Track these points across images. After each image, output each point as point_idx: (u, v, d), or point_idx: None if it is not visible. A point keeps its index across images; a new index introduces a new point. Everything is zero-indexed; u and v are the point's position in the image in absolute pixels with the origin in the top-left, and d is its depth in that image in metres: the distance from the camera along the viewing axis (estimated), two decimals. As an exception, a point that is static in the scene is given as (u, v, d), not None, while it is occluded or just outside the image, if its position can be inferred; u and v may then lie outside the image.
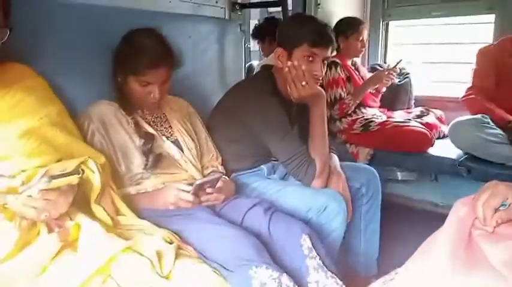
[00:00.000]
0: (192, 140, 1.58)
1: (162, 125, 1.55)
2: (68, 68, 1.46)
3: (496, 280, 0.85)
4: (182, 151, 1.53)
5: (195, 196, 1.35)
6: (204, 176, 1.55)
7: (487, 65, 2.25)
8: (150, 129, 1.49)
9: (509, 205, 0.95)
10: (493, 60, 2.23)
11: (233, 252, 1.10)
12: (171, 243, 1.10)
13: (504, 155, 2.00)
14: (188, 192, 1.34)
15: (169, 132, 1.55)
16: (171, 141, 1.52)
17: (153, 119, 1.54)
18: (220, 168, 1.66)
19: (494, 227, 0.94)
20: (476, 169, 2.06)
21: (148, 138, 1.46)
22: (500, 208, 0.95)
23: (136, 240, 1.05)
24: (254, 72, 2.50)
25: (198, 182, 1.35)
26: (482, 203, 0.95)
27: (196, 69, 2.04)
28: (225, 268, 1.08)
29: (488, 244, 0.90)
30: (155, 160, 1.44)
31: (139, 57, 1.38)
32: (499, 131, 2.06)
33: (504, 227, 0.93)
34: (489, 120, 2.11)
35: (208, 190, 1.38)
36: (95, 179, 1.12)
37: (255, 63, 3.22)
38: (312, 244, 1.23)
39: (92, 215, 1.11)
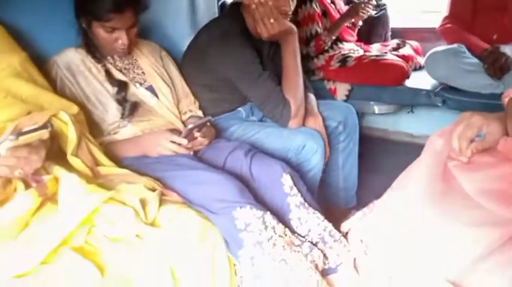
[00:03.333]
0: (167, 85, 1.54)
1: (134, 71, 1.50)
2: (30, 14, 1.37)
3: (471, 208, 0.89)
4: (157, 97, 1.49)
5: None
6: (183, 123, 1.53)
7: (465, -8, 2.20)
8: (122, 77, 1.44)
9: (484, 136, 0.97)
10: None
11: (216, 195, 1.12)
12: (153, 190, 1.11)
13: (479, 83, 2.02)
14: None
15: (143, 79, 1.50)
16: (145, 88, 1.48)
17: (124, 66, 1.48)
18: (199, 112, 1.64)
19: (469, 158, 0.96)
20: (451, 98, 2.08)
21: (121, 86, 1.42)
22: (476, 139, 0.97)
23: (118, 190, 1.05)
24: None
25: (189, 126, 1.34)
26: (458, 134, 0.97)
27: (166, 11, 1.94)
28: (209, 211, 1.10)
29: (463, 174, 0.93)
30: (131, 108, 1.41)
31: (101, 1, 1.30)
32: (474, 60, 2.06)
33: (479, 157, 0.96)
34: (465, 49, 2.10)
35: (196, 135, 1.37)
36: (69, 130, 1.10)
37: (229, 1, 3.08)
38: (293, 182, 1.26)
39: (70, 168, 1.10)
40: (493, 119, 0.99)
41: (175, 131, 1.36)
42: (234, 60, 1.53)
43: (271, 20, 1.47)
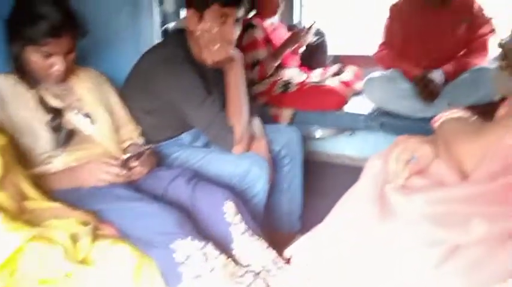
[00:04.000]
0: (105, 111, 1.49)
1: (70, 98, 1.44)
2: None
3: (408, 230, 0.91)
4: (95, 124, 1.44)
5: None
6: (123, 151, 1.48)
7: (397, 20, 2.31)
8: (57, 103, 1.37)
9: (418, 158, 1.01)
10: (403, 16, 2.29)
11: (155, 228, 1.08)
12: (86, 225, 1.05)
13: (412, 108, 2.13)
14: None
15: (80, 106, 1.44)
16: (82, 115, 1.42)
17: (60, 92, 1.41)
18: (140, 140, 1.59)
19: (405, 180, 1.00)
20: (388, 122, 2.18)
21: (55, 113, 1.35)
22: (411, 162, 1.01)
23: (46, 226, 0.98)
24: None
25: (125, 156, 1.30)
26: (394, 157, 1.01)
27: (107, 36, 1.89)
28: (147, 245, 1.05)
29: (400, 197, 0.95)
30: (66, 136, 1.35)
31: (37, 25, 1.24)
32: (408, 85, 2.17)
33: (414, 180, 1.00)
34: (399, 75, 2.22)
35: (133, 164, 1.33)
36: (-6, 163, 1.02)
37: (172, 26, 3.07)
38: (236, 210, 1.24)
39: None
40: (426, 143, 1.03)
41: (112, 160, 1.30)
42: (178, 85, 1.51)
43: (216, 47, 1.47)
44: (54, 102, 1.37)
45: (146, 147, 1.39)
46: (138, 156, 1.35)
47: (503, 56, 1.59)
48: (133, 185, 1.33)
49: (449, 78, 2.16)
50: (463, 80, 2.11)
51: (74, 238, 0.98)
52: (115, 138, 1.49)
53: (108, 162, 1.29)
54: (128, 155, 1.30)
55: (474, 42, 2.22)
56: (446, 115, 1.09)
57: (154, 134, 1.63)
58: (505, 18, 2.28)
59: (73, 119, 1.39)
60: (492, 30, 2.22)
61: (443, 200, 0.92)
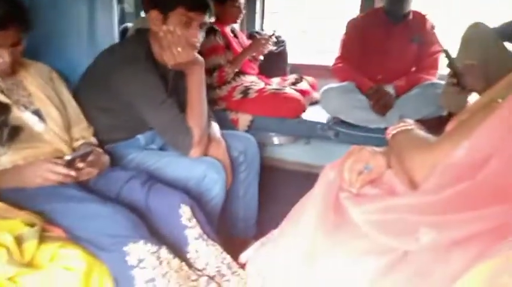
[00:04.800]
0: (56, 108, 1.43)
1: (18, 93, 1.36)
2: None
3: (360, 238, 0.94)
4: (45, 121, 1.37)
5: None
6: (74, 150, 1.42)
7: (354, 35, 2.40)
8: (4, 99, 1.30)
9: (371, 168, 1.05)
10: (360, 31, 2.39)
11: (105, 230, 1.05)
12: (33, 226, 1.00)
13: (366, 118, 2.21)
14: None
15: (29, 102, 1.37)
16: (31, 112, 1.35)
17: (7, 87, 1.34)
18: (93, 139, 1.53)
19: (358, 189, 1.03)
20: (343, 132, 2.25)
21: (1, 108, 1.28)
22: (364, 171, 1.04)
23: (-12, 226, 0.93)
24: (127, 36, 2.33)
25: (67, 157, 1.24)
26: (348, 167, 1.04)
27: (61, 31, 1.82)
28: (98, 248, 1.02)
29: (352, 206, 0.98)
30: (12, 133, 1.27)
31: None
32: (362, 97, 2.26)
33: (367, 189, 1.03)
34: (354, 87, 2.30)
35: (80, 165, 1.28)
36: None
37: (131, 25, 3.00)
38: (192, 214, 1.23)
39: None
40: (379, 154, 1.07)
41: (59, 159, 1.25)
42: (137, 85, 1.48)
43: (179, 49, 1.46)
44: (1, 97, 1.30)
45: (89, 149, 1.33)
46: (84, 156, 1.30)
47: (452, 74, 1.69)
48: (85, 186, 1.28)
49: (400, 92, 2.27)
50: (414, 94, 2.22)
51: (19, 240, 0.93)
52: (66, 137, 1.43)
53: (53, 162, 1.24)
54: (69, 157, 1.25)
55: (425, 60, 2.35)
56: (398, 127, 1.13)
57: (109, 134, 1.59)
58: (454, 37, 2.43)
59: (21, 115, 1.32)
60: (441, 50, 2.35)
61: (393, 208, 0.95)
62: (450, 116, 1.71)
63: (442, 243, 0.86)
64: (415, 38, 2.33)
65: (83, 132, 1.52)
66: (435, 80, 2.28)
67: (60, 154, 1.36)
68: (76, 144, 1.48)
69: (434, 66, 2.34)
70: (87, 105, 1.56)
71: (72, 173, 1.23)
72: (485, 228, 0.83)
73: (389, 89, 2.26)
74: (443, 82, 2.00)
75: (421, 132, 1.09)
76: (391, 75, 2.34)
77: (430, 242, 0.86)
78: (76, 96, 1.56)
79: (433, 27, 2.35)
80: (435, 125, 1.32)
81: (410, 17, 2.35)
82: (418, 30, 2.34)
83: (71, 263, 0.94)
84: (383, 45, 2.34)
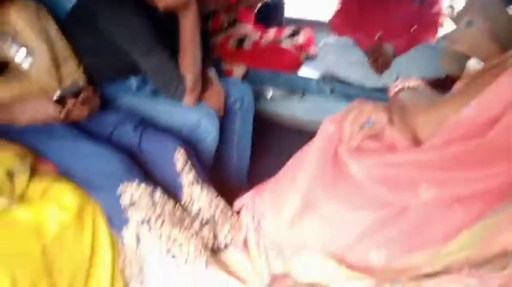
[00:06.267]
0: (45, 46, 1.35)
1: (3, 26, 1.29)
2: None
3: (357, 192, 0.94)
4: (32, 57, 1.30)
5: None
6: (64, 88, 1.36)
7: (354, -11, 2.33)
8: (-11, 32, 1.23)
9: (372, 123, 1.03)
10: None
11: (99, 169, 1.03)
12: (23, 160, 0.96)
13: (363, 76, 2.18)
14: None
15: (15, 36, 1.30)
16: (18, 46, 1.28)
17: None
18: (82, 79, 1.47)
19: (359, 143, 1.02)
20: (338, 88, 2.21)
21: None
22: (365, 126, 1.02)
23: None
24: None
25: (57, 93, 1.19)
26: (350, 120, 1.02)
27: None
28: (90, 186, 1.00)
29: (352, 159, 0.97)
30: None
31: None
32: (360, 53, 2.21)
33: (367, 144, 1.02)
34: (352, 43, 2.25)
35: (70, 103, 1.23)
36: None
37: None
38: (187, 158, 1.21)
39: None
40: (381, 109, 1.06)
41: (48, 97, 1.20)
42: (126, 28, 1.40)
43: None
44: (-14, 30, 1.23)
45: (80, 86, 1.30)
46: (74, 95, 1.26)
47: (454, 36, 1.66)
48: (77, 126, 1.24)
49: (399, 51, 2.22)
50: (413, 54, 2.18)
51: (10, 174, 0.90)
52: (54, 74, 1.37)
53: (42, 99, 1.20)
54: (61, 91, 1.21)
55: (426, 20, 2.29)
56: (402, 84, 1.11)
57: (98, 74, 1.51)
58: None
59: (6, 50, 1.26)
60: (441, 11, 2.31)
61: (394, 163, 0.95)
62: (448, 78, 1.69)
63: (444, 200, 0.87)
64: (416, -2, 2.27)
65: (72, 71, 1.45)
66: (434, 42, 2.24)
67: (48, 92, 1.31)
68: (65, 83, 1.42)
69: (435, 27, 2.29)
70: (75, 44, 1.48)
71: (62, 113, 1.18)
72: (489, 187, 0.83)
73: (389, 47, 2.21)
74: (443, 44, 1.97)
75: (427, 90, 1.08)
76: (391, 33, 2.28)
77: (431, 198, 0.86)
78: (63, 34, 1.47)
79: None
80: (432, 87, 1.30)
81: (413, -25, 2.27)
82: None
83: (63, 199, 0.92)
84: (383, 3, 2.28)
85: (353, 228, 0.93)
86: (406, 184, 0.90)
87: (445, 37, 1.59)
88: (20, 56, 1.28)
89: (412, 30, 2.34)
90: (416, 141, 0.96)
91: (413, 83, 1.13)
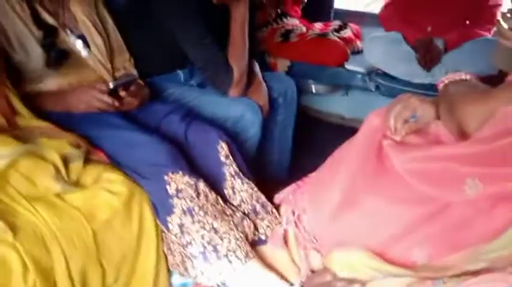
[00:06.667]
0: (100, 36, 1.42)
1: (64, 16, 1.36)
2: None
3: (400, 186, 0.92)
4: (89, 47, 1.37)
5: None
6: (117, 79, 1.43)
7: (405, -18, 2.26)
8: (51, 20, 1.29)
9: (418, 117, 1.01)
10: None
11: (147, 159, 1.07)
12: (78, 148, 1.02)
13: (410, 72, 2.12)
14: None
15: (74, 26, 1.36)
16: (76, 36, 1.35)
17: (54, 9, 1.33)
18: (133, 70, 1.53)
19: (403, 137, 1.00)
20: (384, 84, 2.17)
21: (48, 30, 1.28)
22: (411, 120, 1.00)
23: (37, 143, 0.95)
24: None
25: (111, 84, 1.25)
26: (395, 114, 1.00)
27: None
28: (139, 175, 1.04)
29: (395, 153, 0.96)
30: (58, 56, 1.28)
31: None
32: (409, 49, 2.15)
33: (411, 138, 1.00)
34: (401, 37, 2.18)
35: (122, 94, 1.28)
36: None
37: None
38: (229, 151, 1.23)
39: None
40: (427, 103, 1.03)
41: (101, 87, 1.27)
42: (181, 16, 1.45)
43: None
44: (49, 19, 1.29)
45: (132, 77, 1.35)
46: (127, 85, 1.31)
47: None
48: (128, 116, 1.30)
49: (450, 46, 2.14)
50: (465, 50, 2.09)
51: (66, 160, 0.96)
52: (108, 65, 1.43)
53: (97, 89, 1.26)
54: (115, 83, 1.26)
55: (481, 13, 2.19)
56: (452, 77, 1.08)
57: (149, 66, 1.58)
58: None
59: (67, 39, 1.32)
60: (500, 4, 2.19)
61: (439, 157, 0.93)
62: (501, 75, 1.62)
63: (488, 196, 0.84)
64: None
65: (124, 62, 1.52)
66: (490, 36, 2.14)
67: (103, 82, 1.37)
68: (117, 74, 1.48)
69: (491, 21, 2.17)
70: (128, 35, 1.54)
71: (116, 102, 1.24)
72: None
73: (439, 42, 2.13)
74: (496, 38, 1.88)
75: (478, 84, 1.04)
76: (442, 28, 2.18)
77: (475, 194, 0.84)
78: (118, 24, 1.54)
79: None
80: (487, 81, 1.25)
81: (469, -34, 2.17)
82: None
83: (113, 187, 0.97)
84: (434, -5, 2.19)
85: (394, 224, 0.91)
86: (450, 179, 0.87)
87: (497, 33, 1.52)
88: (79, 46, 1.35)
89: (465, 24, 2.25)
90: (463, 136, 0.94)
91: (464, 76, 1.09)
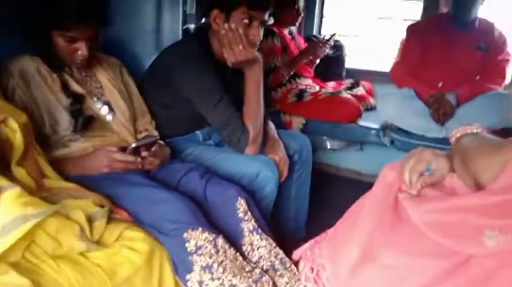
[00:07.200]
0: (125, 101, 1.51)
1: (91, 84, 1.46)
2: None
3: (419, 239, 0.92)
4: (114, 112, 1.46)
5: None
6: (139, 140, 1.49)
7: (414, 41, 2.34)
8: (79, 89, 1.39)
9: (432, 171, 1.02)
10: (421, 36, 2.32)
11: (167, 216, 1.09)
12: (102, 207, 1.06)
13: (424, 127, 2.15)
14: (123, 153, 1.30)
15: (100, 93, 1.46)
16: (102, 103, 1.44)
17: (81, 78, 1.43)
18: (155, 132, 1.61)
19: (419, 191, 1.01)
20: (398, 139, 2.20)
21: (76, 98, 1.37)
22: (425, 173, 1.02)
23: (63, 204, 0.99)
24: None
25: (133, 145, 1.31)
26: (409, 167, 1.02)
27: (131, 28, 1.93)
28: (159, 232, 1.07)
29: (412, 206, 0.96)
30: (85, 122, 1.36)
31: (64, 11, 1.27)
32: (421, 104, 2.20)
33: (428, 191, 1.01)
34: (414, 93, 2.24)
35: (144, 154, 1.34)
36: (16, 138, 1.03)
37: (192, 26, 3.11)
38: (248, 207, 1.25)
39: (13, 178, 1.03)
40: (441, 156, 1.04)
41: (121, 148, 1.33)
42: (196, 82, 1.53)
43: (240, 47, 1.49)
44: (76, 88, 1.39)
45: (154, 138, 1.41)
46: (148, 146, 1.36)
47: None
48: (149, 175, 1.35)
49: (462, 100, 2.18)
50: (477, 103, 2.13)
51: (90, 219, 0.99)
52: (131, 128, 1.51)
53: (116, 150, 1.31)
54: (135, 144, 1.32)
55: (491, 68, 2.25)
56: (464, 129, 1.10)
57: (169, 128, 1.65)
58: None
59: (93, 105, 1.41)
60: (509, 59, 2.25)
61: (456, 209, 0.92)
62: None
63: (509, 247, 0.83)
64: (481, 46, 2.24)
65: (146, 125, 1.60)
66: (501, 90, 2.18)
67: (126, 144, 1.44)
68: (139, 136, 1.56)
69: (501, 75, 2.24)
70: (150, 101, 1.64)
71: (138, 160, 1.29)
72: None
73: (451, 97, 2.18)
74: (507, 92, 1.92)
75: (489, 136, 1.05)
76: (453, 83, 2.25)
77: (495, 246, 0.83)
78: (140, 91, 1.63)
79: (502, 35, 2.25)
80: (500, 135, 1.26)
81: (477, 23, 2.26)
82: (485, 37, 2.25)
83: (135, 244, 0.99)
84: (446, 52, 2.26)
85: (416, 278, 0.90)
86: (468, 230, 0.86)
87: (509, 86, 1.56)
88: (104, 111, 1.43)
89: (476, 79, 2.30)
90: (478, 188, 0.94)
91: (476, 129, 1.11)
